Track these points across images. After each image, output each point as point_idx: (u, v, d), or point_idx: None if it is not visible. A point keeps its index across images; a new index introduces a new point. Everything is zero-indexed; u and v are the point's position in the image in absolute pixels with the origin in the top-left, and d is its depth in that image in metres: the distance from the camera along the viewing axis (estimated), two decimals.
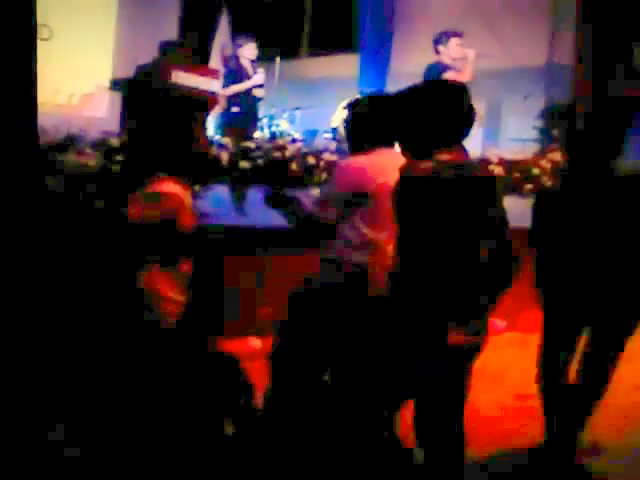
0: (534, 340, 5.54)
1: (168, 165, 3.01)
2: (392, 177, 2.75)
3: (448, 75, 6.49)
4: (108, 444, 1.47)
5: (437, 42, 6.75)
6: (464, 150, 2.58)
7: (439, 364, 2.28)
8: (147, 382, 1.51)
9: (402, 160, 2.66)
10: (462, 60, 6.61)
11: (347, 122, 3.40)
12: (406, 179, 2.59)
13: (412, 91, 2.59)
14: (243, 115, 7.22)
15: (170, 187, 3.00)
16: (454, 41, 6.68)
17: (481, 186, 2.43)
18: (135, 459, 1.47)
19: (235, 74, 7.27)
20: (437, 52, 6.77)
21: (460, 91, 2.54)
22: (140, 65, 6.61)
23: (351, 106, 3.45)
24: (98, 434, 1.48)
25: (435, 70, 6.58)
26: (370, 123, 3.26)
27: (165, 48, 6.67)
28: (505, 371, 4.83)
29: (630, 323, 3.38)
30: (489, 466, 3.37)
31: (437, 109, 2.49)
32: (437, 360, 2.28)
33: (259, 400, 1.52)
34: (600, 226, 3.23)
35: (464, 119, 2.54)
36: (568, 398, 3.39)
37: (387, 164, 3.01)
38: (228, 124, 7.08)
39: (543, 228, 3.38)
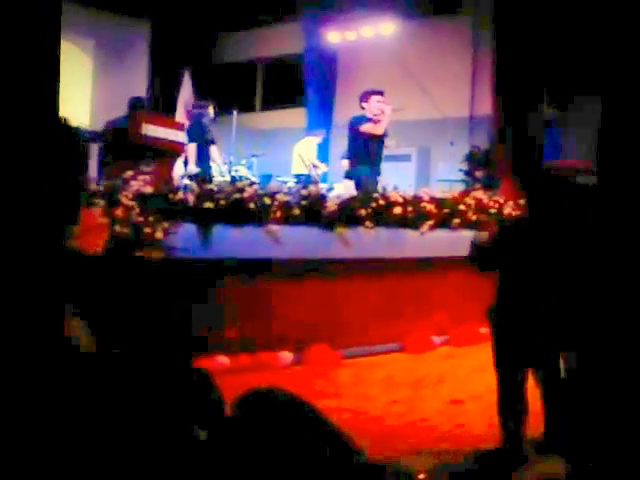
0: (465, 352, 5.95)
1: None
2: None
3: (366, 126, 7.39)
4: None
5: (361, 99, 7.66)
6: None
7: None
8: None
9: None
10: (382, 114, 7.44)
11: None
12: None
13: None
14: (202, 163, 8.13)
15: None
16: (374, 98, 7.57)
17: None
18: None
19: (198, 132, 8.22)
20: (362, 108, 7.66)
21: None
22: (111, 120, 7.21)
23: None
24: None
25: (357, 121, 7.51)
26: None
27: (134, 104, 7.32)
28: (442, 380, 5.12)
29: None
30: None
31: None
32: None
33: (228, 410, 1.54)
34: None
35: None
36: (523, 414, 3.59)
37: None
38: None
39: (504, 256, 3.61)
